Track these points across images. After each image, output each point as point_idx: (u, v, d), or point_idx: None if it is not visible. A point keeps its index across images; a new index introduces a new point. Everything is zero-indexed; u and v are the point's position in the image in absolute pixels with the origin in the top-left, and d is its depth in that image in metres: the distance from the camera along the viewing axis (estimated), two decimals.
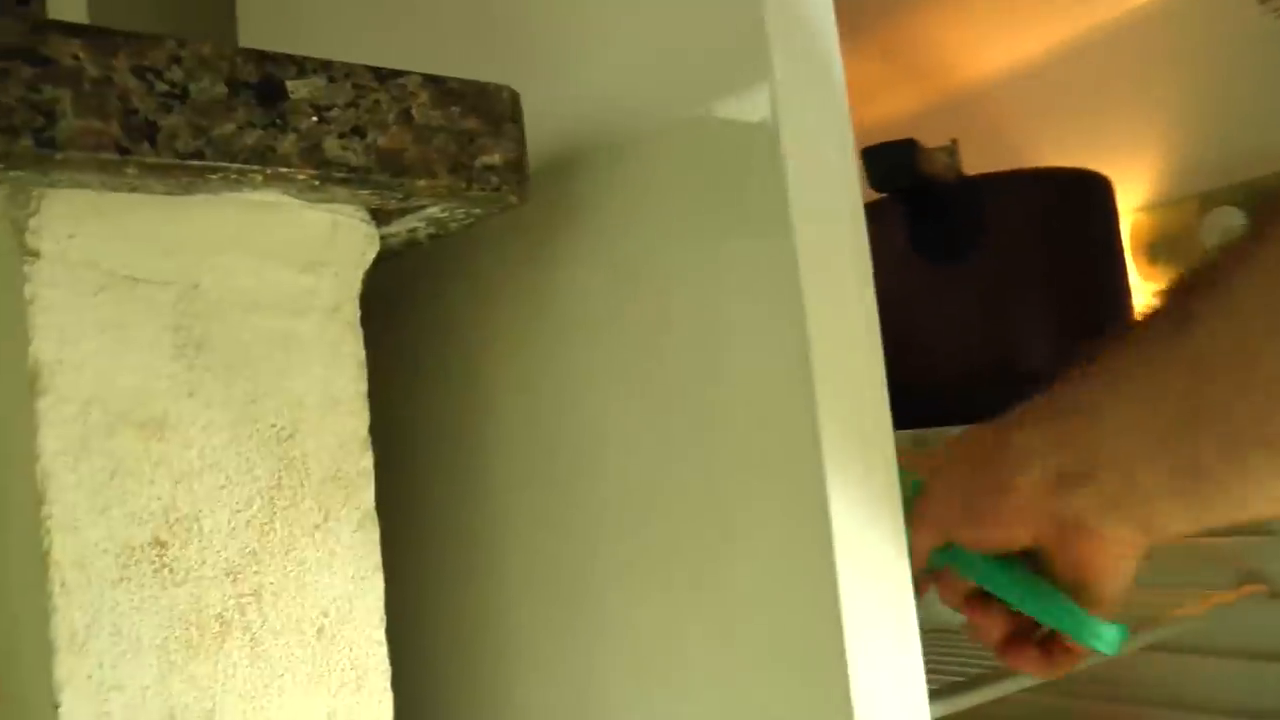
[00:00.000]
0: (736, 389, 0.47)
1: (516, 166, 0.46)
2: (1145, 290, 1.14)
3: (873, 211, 0.88)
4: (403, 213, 0.48)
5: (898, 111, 1.48)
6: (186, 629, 0.39)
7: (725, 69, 0.46)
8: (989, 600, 0.56)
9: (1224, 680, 1.07)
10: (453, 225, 0.50)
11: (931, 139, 1.40)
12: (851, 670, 0.43)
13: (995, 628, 0.56)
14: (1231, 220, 1.00)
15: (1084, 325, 0.91)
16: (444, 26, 0.65)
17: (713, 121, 0.47)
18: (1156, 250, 1.10)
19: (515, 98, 0.46)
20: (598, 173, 0.54)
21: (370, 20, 0.73)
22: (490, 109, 0.45)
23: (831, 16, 0.47)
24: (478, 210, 0.48)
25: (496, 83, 0.46)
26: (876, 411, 0.46)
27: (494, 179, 0.45)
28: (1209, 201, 1.04)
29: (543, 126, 0.52)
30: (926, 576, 0.56)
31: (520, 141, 0.46)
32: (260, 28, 0.90)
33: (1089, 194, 0.94)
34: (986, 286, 0.88)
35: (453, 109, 0.45)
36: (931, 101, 1.44)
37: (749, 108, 0.45)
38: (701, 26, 0.48)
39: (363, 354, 0.47)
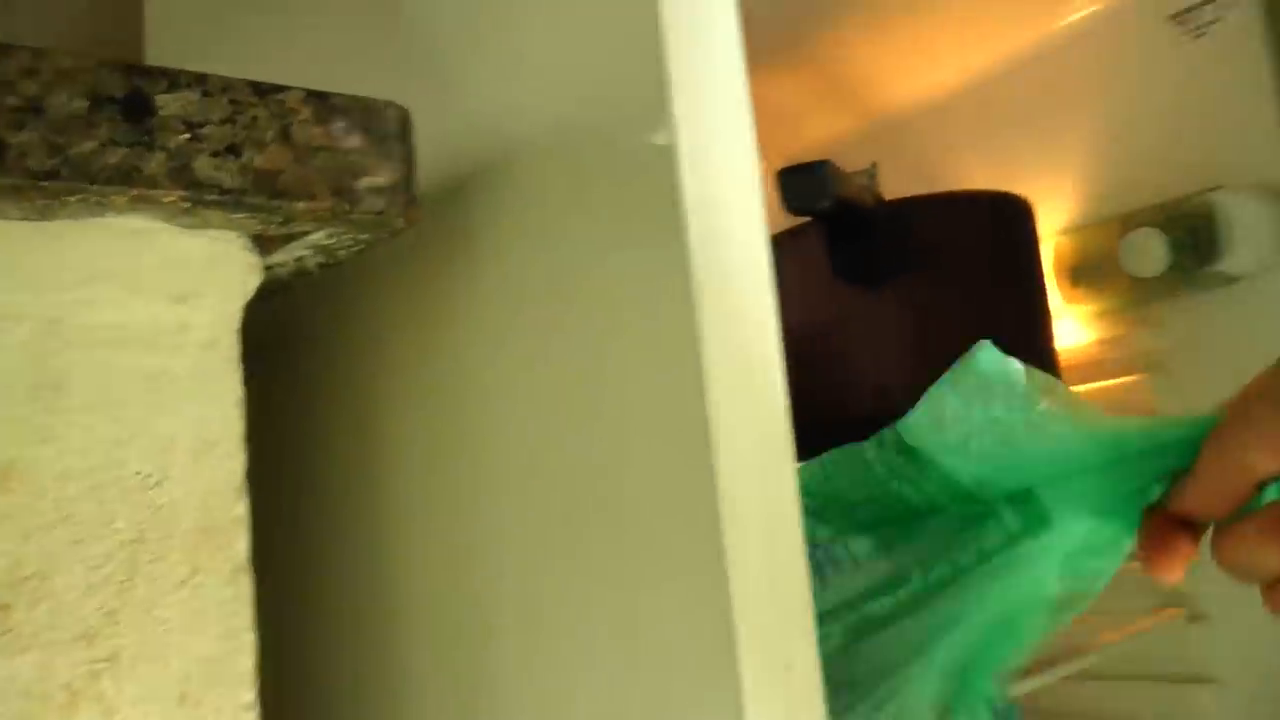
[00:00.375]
0: (636, 415, 0.45)
1: (403, 188, 0.43)
2: (1068, 314, 1.14)
3: (795, 236, 0.87)
4: (286, 239, 0.45)
5: (826, 135, 1.48)
6: (28, 702, 0.35)
7: (625, 91, 0.44)
8: None
9: (1146, 706, 1.07)
10: (341, 253, 0.47)
11: (859, 163, 1.39)
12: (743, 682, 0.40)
13: None
14: (1150, 241, 0.99)
15: (1006, 349, 0.90)
16: (341, 41, 0.62)
17: (611, 145, 0.45)
18: (1079, 273, 1.10)
19: (404, 116, 0.44)
20: (496, 193, 0.51)
21: (270, 38, 0.70)
22: (376, 127, 0.42)
23: (737, 38, 0.45)
24: (364, 235, 0.44)
25: (383, 99, 0.43)
26: (775, 434, 0.44)
27: (379, 201, 0.42)
28: (1128, 223, 1.03)
29: (440, 146, 0.50)
30: (1229, 525, 0.43)
31: (408, 162, 0.43)
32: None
33: (1010, 217, 0.93)
34: (909, 310, 0.86)
35: (336, 126, 0.42)
36: (859, 126, 1.44)
37: (648, 131, 0.42)
38: (602, 49, 0.45)
39: (241, 391, 0.43)
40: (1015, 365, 0.49)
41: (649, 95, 0.42)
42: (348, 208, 0.41)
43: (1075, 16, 1.16)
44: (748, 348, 0.42)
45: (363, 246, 0.46)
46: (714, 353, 0.41)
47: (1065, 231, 1.13)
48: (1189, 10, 1.07)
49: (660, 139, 0.42)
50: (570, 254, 0.47)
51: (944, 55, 1.26)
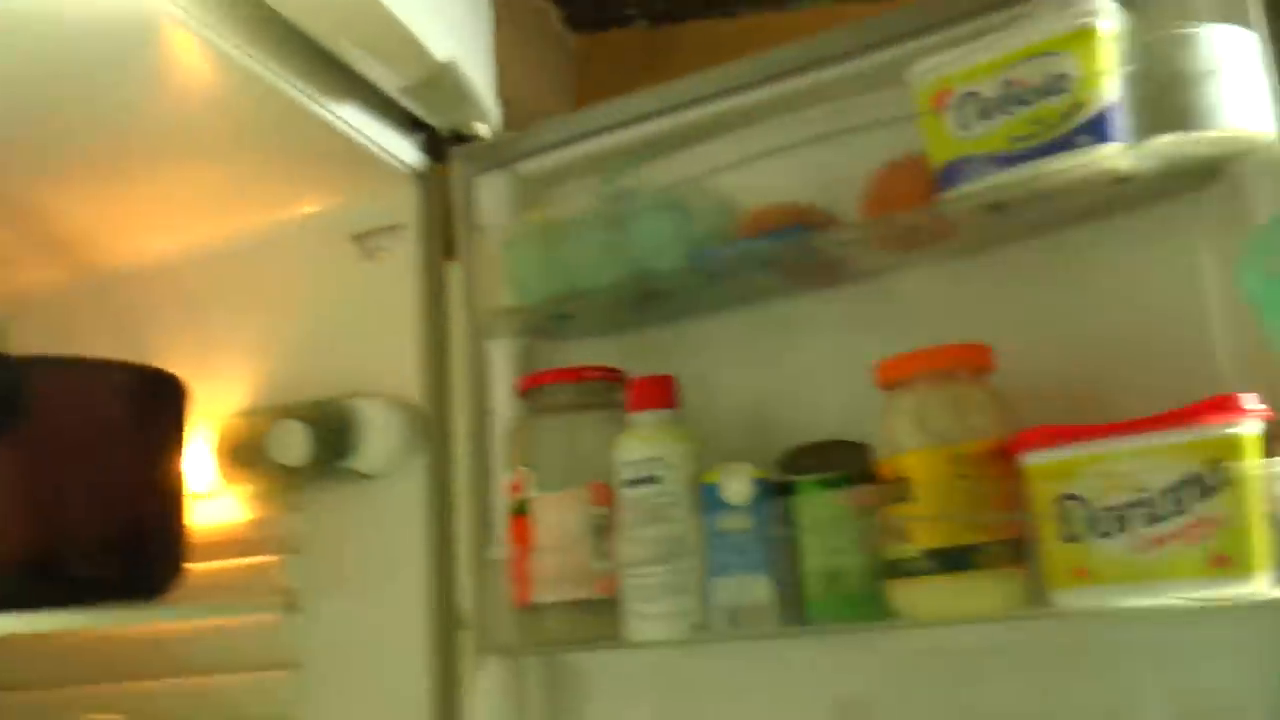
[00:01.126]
0: None
1: None
2: (230, 492, 1.19)
3: None
4: None
5: (41, 283, 1.43)
6: None
7: None
8: None
9: (239, 691, 1.16)
10: None
11: (68, 315, 1.36)
12: None
13: None
14: (293, 433, 1.07)
15: (129, 521, 0.92)
16: None
17: None
18: (238, 456, 1.15)
19: None
20: None
21: None
22: None
23: None
24: None
25: None
26: None
27: None
28: (279, 414, 1.11)
29: None
30: None
31: None
32: None
33: (152, 391, 0.97)
34: (29, 471, 0.86)
35: None
36: (76, 278, 1.41)
37: None
38: None
39: None
40: None
41: None
42: None
43: (278, 218, 1.24)
44: None
45: None
46: None
47: (237, 415, 1.19)
48: (367, 234, 1.21)
49: None
50: None
51: (157, 226, 1.29)
